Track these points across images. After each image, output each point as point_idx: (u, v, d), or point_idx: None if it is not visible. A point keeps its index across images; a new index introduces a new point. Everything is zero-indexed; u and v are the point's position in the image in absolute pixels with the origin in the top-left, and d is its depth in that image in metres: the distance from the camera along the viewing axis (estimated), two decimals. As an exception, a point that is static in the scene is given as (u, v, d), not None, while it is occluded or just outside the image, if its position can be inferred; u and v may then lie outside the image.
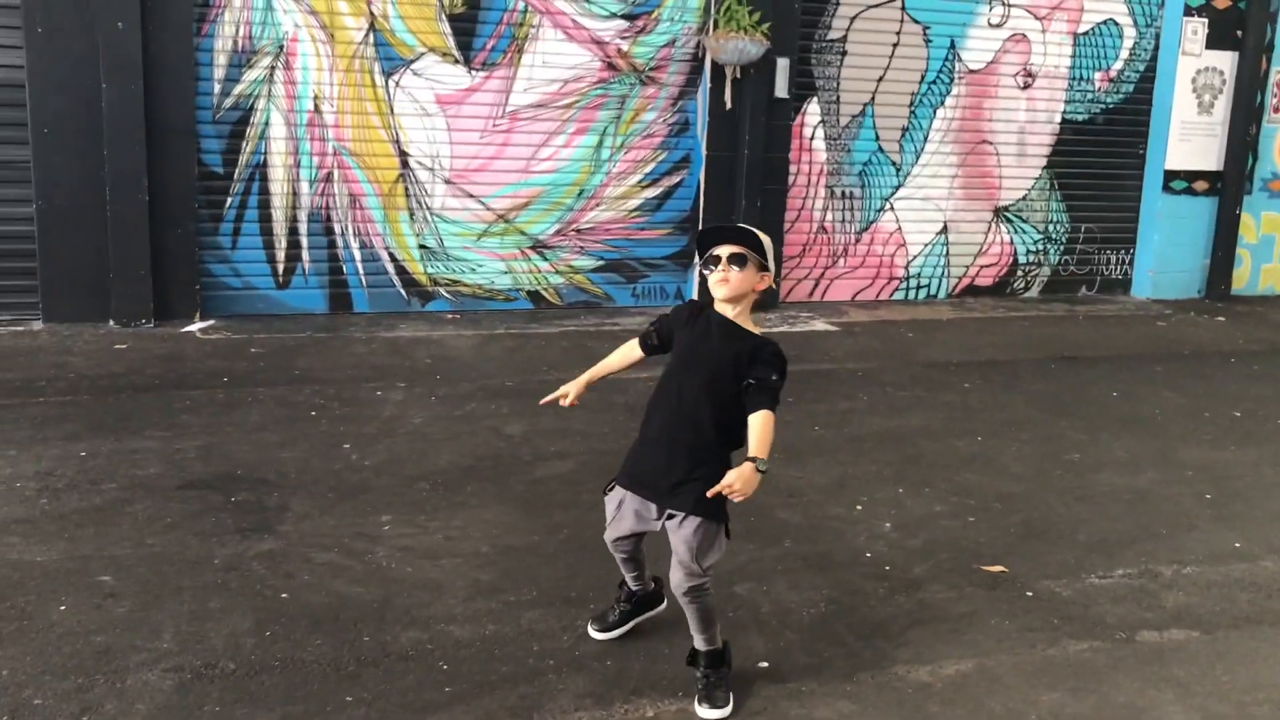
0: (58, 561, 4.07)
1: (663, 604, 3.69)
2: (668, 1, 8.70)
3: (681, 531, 3.24)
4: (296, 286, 8.17)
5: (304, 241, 8.14)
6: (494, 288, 8.68)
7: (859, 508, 4.97)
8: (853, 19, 9.22)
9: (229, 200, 7.93)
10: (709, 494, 3.07)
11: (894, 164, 9.63)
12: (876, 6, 9.26)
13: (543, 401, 3.62)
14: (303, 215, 8.11)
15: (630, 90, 8.73)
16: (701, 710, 3.24)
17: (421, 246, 8.44)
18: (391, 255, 8.37)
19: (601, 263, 8.94)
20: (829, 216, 9.52)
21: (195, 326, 7.70)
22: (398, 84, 8.16)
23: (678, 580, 3.25)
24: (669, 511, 3.27)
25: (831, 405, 6.58)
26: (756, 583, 4.14)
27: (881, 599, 4.07)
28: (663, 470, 3.27)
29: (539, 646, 3.60)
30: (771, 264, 3.32)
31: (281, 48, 7.87)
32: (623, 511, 3.39)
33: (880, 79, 9.42)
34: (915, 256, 9.87)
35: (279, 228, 8.07)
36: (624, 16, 8.61)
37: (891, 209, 9.70)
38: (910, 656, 3.65)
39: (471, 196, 8.48)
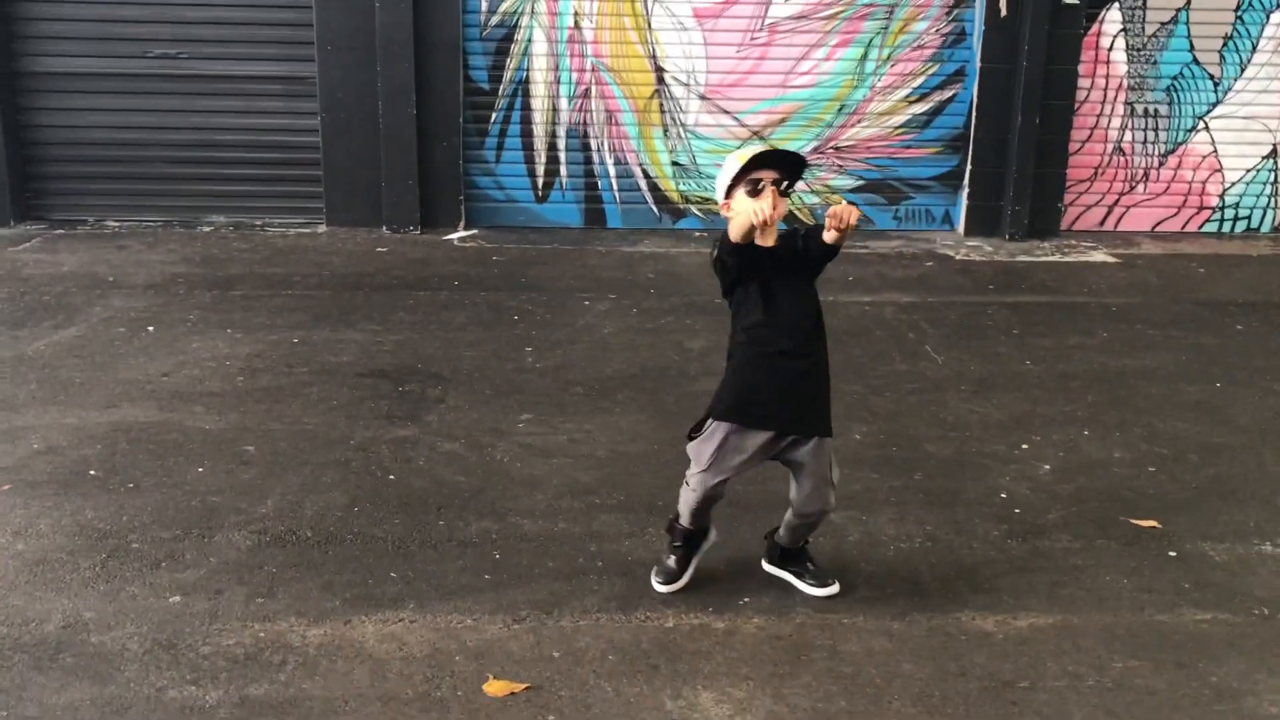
0: (221, 430, 4.52)
1: (713, 535, 3.45)
2: (946, -98, 8.11)
3: (820, 454, 3.17)
4: (554, 200, 8.46)
5: (562, 157, 8.40)
6: (747, 206, 8.57)
7: (1025, 446, 4.55)
8: (1166, -88, 8.19)
9: (494, 115, 8.31)
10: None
11: (1211, 77, 8.51)
12: (1197, -104, 8.17)
13: (761, 221, 2.94)
14: (561, 131, 8.36)
15: (900, -1, 8.26)
16: (812, 590, 3.34)
17: (674, 163, 8.47)
18: (645, 172, 8.47)
19: (861, 182, 8.58)
20: (1128, 137, 8.59)
21: (455, 235, 8.18)
22: (655, -1, 8.18)
23: (825, 499, 3.22)
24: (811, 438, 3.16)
25: (1059, 340, 6.01)
26: (858, 511, 3.91)
27: (990, 542, 3.72)
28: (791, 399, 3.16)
29: (596, 548, 3.61)
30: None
31: (545, -35, 8.10)
32: (745, 444, 3.17)
33: (1200, -20, 8.33)
34: (1234, 184, 8.72)
35: (539, 143, 8.37)
36: (896, -80, 8.12)
37: (1206, 129, 8.60)
38: (985, 604, 3.33)
39: (726, 113, 8.38)
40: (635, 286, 6.91)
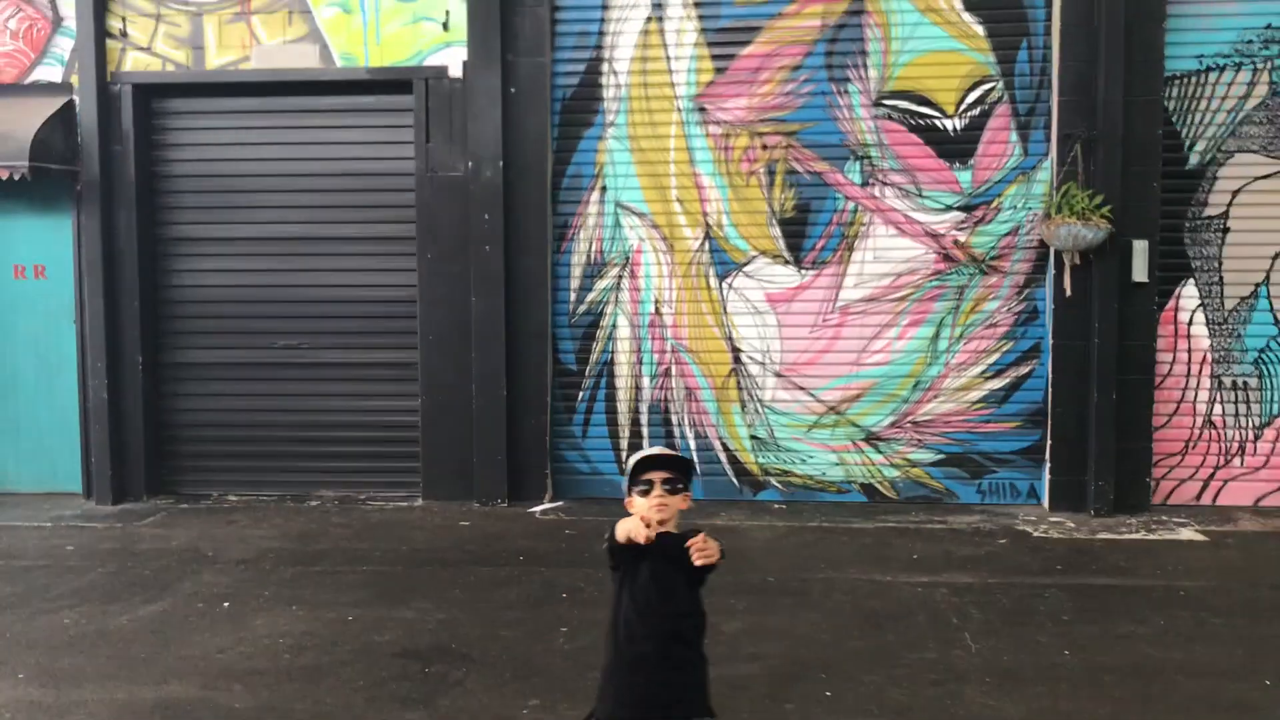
0: (247, 709, 4.84)
1: None
2: (1010, 190, 8.46)
3: None
4: (638, 474, 8.79)
5: (644, 430, 8.79)
6: (825, 479, 8.71)
7: (1029, 748, 4.43)
8: (1234, 193, 8.31)
9: (580, 394, 8.83)
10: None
11: (1300, 349, 8.38)
12: (1265, 178, 8.28)
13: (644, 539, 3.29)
14: (644, 407, 8.79)
15: (970, 280, 8.52)
16: None
17: (753, 437, 8.74)
18: (724, 445, 8.76)
19: (942, 456, 8.64)
20: (1217, 410, 8.44)
21: (540, 507, 8.56)
22: (730, 285, 8.68)
23: None
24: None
25: (1108, 628, 5.84)
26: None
27: None
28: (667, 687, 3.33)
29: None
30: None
31: (628, 259, 8.74)
32: None
33: (1276, 255, 8.32)
34: (1342, 455, 8.40)
35: (623, 418, 8.80)
36: (961, 208, 8.50)
37: (1301, 400, 8.40)
38: None
39: (802, 389, 8.67)
40: (692, 564, 7.06)
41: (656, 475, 3.31)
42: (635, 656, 3.33)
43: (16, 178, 8.33)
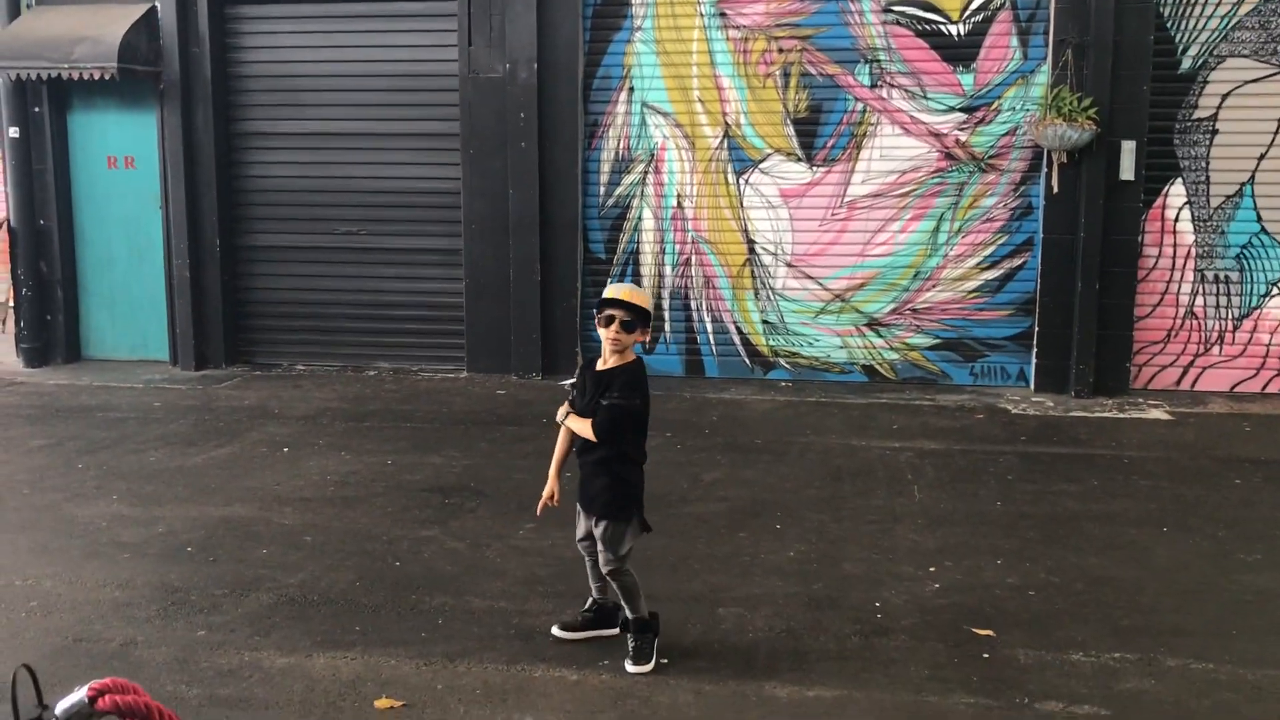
0: (294, 525, 5.90)
1: (615, 629, 4.52)
2: (1009, 93, 9.02)
3: (599, 530, 4.26)
4: (659, 353, 9.68)
5: (666, 315, 9.65)
6: (830, 360, 9.52)
7: (932, 569, 5.29)
8: (1224, 97, 8.76)
9: (609, 280, 9.68)
10: None
11: (1282, 245, 8.89)
12: (1255, 81, 8.71)
13: (538, 512, 4.61)
14: (666, 293, 9.64)
15: (969, 178, 9.15)
16: (629, 666, 4.21)
17: (764, 321, 9.55)
18: (738, 328, 9.59)
19: (938, 341, 9.37)
20: (1199, 301, 9.02)
21: (570, 380, 9.44)
22: (747, 181, 9.41)
23: (603, 564, 4.28)
24: (593, 518, 4.26)
25: (1044, 486, 6.62)
26: (743, 608, 4.81)
27: (835, 636, 4.54)
28: (585, 490, 4.29)
29: (518, 620, 4.69)
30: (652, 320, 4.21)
31: (653, 155, 9.51)
32: (579, 522, 4.46)
33: (1262, 156, 8.80)
34: (1317, 347, 8.96)
35: (647, 303, 9.65)
36: (963, 109, 9.09)
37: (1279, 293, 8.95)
38: (792, 678, 4.18)
39: (810, 278, 9.44)
40: (692, 427, 7.98)
41: (618, 313, 4.17)
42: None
43: (107, 77, 9.36)
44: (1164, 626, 4.65)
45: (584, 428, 4.23)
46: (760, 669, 4.25)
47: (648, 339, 4.27)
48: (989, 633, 4.58)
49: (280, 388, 9.34)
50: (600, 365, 4.32)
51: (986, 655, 4.38)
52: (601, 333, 4.24)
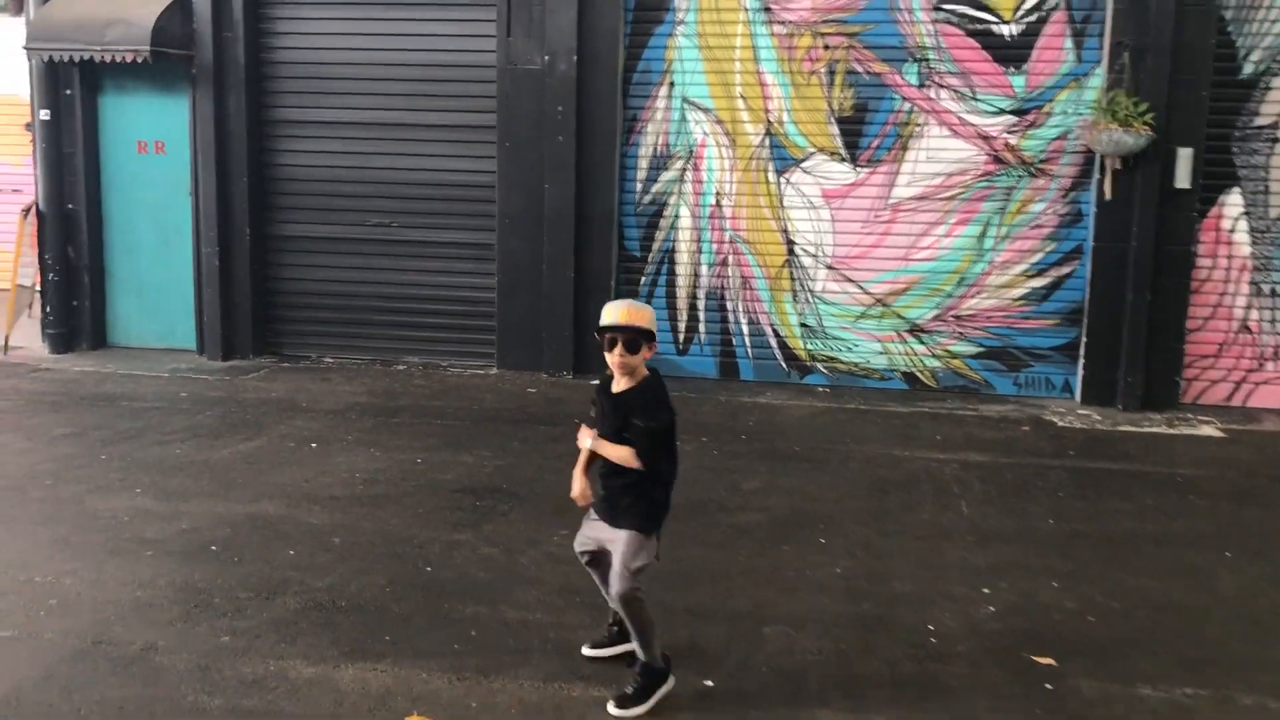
0: (322, 525, 5.72)
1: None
2: (1061, 96, 8.75)
3: (621, 536, 4.03)
4: (693, 354, 9.47)
5: (701, 315, 9.43)
6: (869, 366, 9.27)
7: (986, 590, 5.06)
8: (1286, 103, 8.49)
9: (643, 278, 9.48)
10: None
11: (1342, 261, 8.59)
12: (1318, 88, 8.44)
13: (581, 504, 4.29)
14: (701, 293, 9.42)
15: (1018, 182, 8.88)
16: (612, 708, 3.91)
17: (803, 325, 9.31)
18: (775, 331, 9.36)
19: (981, 349, 9.12)
20: (1254, 315, 8.74)
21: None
22: (788, 180, 9.18)
23: (614, 580, 3.99)
24: (619, 528, 4.05)
25: (1096, 504, 6.38)
26: (790, 627, 4.59)
27: (887, 661, 4.32)
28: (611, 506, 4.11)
29: (554, 634, 4.48)
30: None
31: (692, 152, 9.29)
32: (583, 531, 4.26)
33: (1325, 166, 8.52)
34: (1374, 365, 8.65)
35: (681, 302, 9.45)
36: (1013, 112, 8.83)
37: (1339, 310, 8.65)
38: (842, 705, 3.96)
39: (851, 281, 9.20)
40: (729, 431, 7.76)
41: (621, 336, 3.95)
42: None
43: (139, 61, 9.21)
44: (1235, 659, 4.41)
45: (625, 456, 3.97)
46: (812, 696, 4.04)
47: (655, 351, 4.01)
48: (1050, 661, 4.35)
49: (308, 380, 9.17)
50: (616, 388, 4.06)
51: (1049, 686, 4.15)
52: (606, 357, 4.01)
